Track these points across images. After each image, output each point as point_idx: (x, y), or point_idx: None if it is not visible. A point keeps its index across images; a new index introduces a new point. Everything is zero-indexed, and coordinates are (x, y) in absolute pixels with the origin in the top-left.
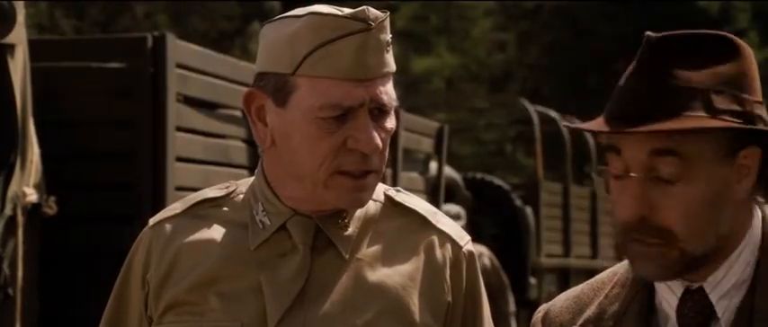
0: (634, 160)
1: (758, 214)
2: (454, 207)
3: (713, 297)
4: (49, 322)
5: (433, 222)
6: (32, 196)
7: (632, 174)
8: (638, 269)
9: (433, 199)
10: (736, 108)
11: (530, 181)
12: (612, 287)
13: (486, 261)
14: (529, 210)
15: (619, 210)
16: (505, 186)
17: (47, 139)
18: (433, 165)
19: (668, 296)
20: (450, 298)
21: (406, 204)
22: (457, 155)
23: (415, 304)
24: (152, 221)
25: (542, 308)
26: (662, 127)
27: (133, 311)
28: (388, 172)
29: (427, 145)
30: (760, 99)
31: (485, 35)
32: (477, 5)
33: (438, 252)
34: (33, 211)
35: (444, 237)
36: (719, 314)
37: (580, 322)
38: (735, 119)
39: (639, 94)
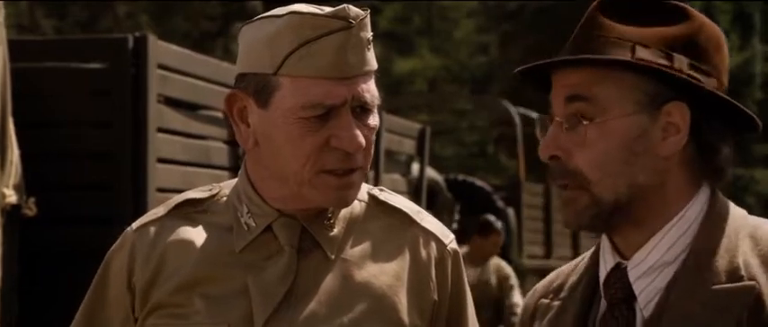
0: (557, 106)
1: (701, 198)
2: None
3: (632, 276)
4: (29, 322)
5: (418, 220)
6: (12, 197)
7: (554, 120)
8: (563, 217)
9: (416, 201)
10: (662, 62)
11: (511, 183)
12: (582, 260)
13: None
14: (511, 211)
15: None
16: (487, 187)
17: (27, 140)
18: (416, 167)
19: (602, 269)
20: (436, 296)
21: (391, 203)
22: (439, 157)
23: (402, 303)
24: (135, 225)
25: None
26: (563, 59)
27: (110, 314)
28: (371, 173)
29: (409, 146)
30: (706, 66)
31: (467, 36)
32: (460, 6)
33: (423, 251)
34: (13, 212)
35: (429, 235)
36: (637, 293)
37: (550, 295)
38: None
39: (568, 46)
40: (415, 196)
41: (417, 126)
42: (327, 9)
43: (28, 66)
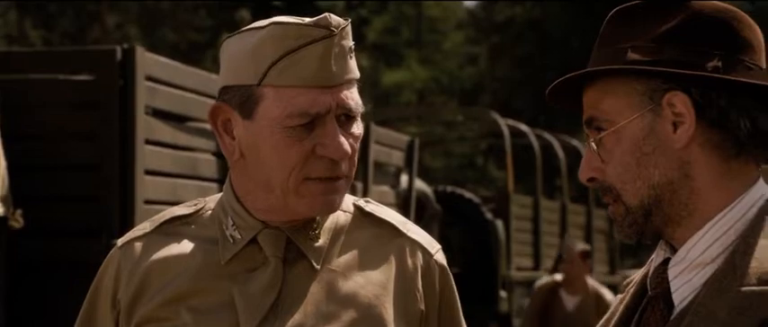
0: (586, 130)
1: (753, 195)
2: None
3: (671, 273)
4: None
5: (404, 231)
6: None
7: (588, 143)
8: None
9: (405, 213)
10: (655, 58)
11: (500, 194)
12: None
13: None
14: (499, 223)
15: None
16: (476, 199)
17: (14, 152)
18: (404, 178)
19: (653, 263)
20: (422, 307)
21: (376, 214)
22: (428, 168)
23: (388, 312)
24: (120, 241)
25: None
26: (555, 84)
27: None
28: (359, 185)
29: (398, 158)
30: (704, 48)
31: (456, 48)
32: (449, 18)
33: (409, 261)
34: None
35: (415, 246)
36: (672, 290)
37: (628, 285)
38: (646, 68)
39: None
40: (403, 208)
41: (406, 137)
42: (309, 19)
43: (15, 77)
